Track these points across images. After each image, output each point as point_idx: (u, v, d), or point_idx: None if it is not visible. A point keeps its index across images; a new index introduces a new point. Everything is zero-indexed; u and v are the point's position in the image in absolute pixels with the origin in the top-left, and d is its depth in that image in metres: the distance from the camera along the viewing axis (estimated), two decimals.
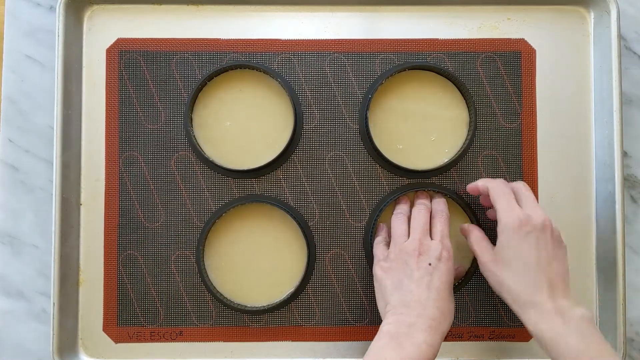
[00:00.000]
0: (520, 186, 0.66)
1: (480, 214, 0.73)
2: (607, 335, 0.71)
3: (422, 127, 0.73)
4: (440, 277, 0.63)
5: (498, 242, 0.64)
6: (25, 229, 0.74)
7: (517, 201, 0.65)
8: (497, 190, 0.65)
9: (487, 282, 0.65)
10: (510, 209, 0.63)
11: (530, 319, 0.61)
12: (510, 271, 0.62)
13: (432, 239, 0.66)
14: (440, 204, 0.69)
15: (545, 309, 0.60)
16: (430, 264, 0.63)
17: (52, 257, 0.70)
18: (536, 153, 0.73)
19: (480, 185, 0.68)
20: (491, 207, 0.67)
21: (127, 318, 0.72)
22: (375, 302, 0.69)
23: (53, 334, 0.69)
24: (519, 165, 0.73)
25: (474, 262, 0.72)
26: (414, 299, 0.62)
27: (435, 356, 0.60)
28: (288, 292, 0.72)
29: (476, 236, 0.67)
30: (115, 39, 0.73)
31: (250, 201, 0.71)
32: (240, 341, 0.72)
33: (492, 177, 0.72)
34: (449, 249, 0.65)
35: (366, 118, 0.71)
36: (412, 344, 0.59)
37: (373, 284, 0.72)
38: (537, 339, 0.61)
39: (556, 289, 0.61)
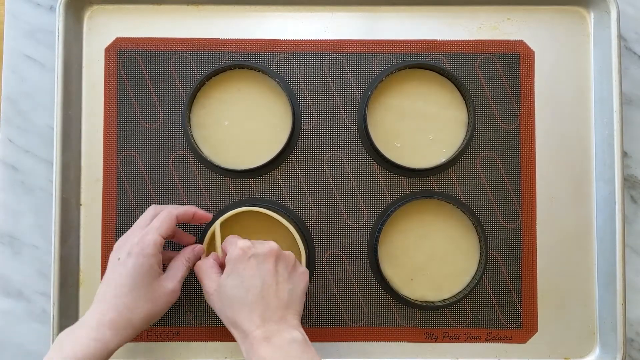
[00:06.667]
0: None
1: (481, 217, 0.73)
2: (607, 335, 0.71)
3: (420, 126, 0.73)
4: (124, 272, 0.61)
5: (223, 273, 0.62)
6: (25, 229, 0.74)
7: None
8: (228, 239, 0.65)
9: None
10: (235, 244, 0.63)
11: (244, 350, 0.59)
12: (232, 299, 0.60)
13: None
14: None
15: (254, 335, 0.58)
16: (119, 259, 0.62)
17: (52, 257, 0.70)
18: (534, 154, 0.73)
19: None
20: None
21: None
22: (372, 302, 0.68)
23: (53, 334, 0.69)
24: (517, 165, 0.73)
25: (480, 265, 0.72)
26: (98, 297, 0.61)
27: (111, 351, 0.59)
28: None
29: (204, 264, 0.65)
30: (113, 39, 0.74)
31: (248, 205, 0.70)
32: None
33: (490, 178, 0.73)
34: (145, 244, 0.62)
35: (365, 115, 0.71)
36: (75, 342, 0.58)
37: (371, 285, 0.72)
38: None
39: (273, 313, 0.59)
